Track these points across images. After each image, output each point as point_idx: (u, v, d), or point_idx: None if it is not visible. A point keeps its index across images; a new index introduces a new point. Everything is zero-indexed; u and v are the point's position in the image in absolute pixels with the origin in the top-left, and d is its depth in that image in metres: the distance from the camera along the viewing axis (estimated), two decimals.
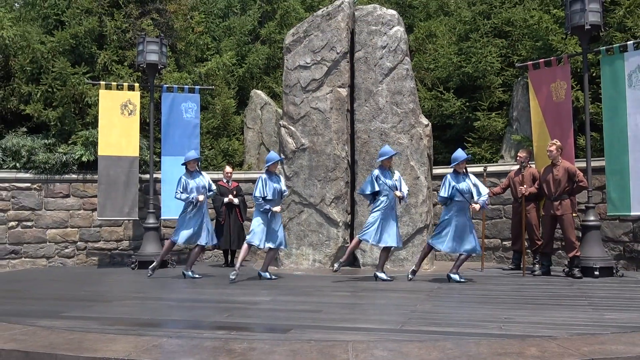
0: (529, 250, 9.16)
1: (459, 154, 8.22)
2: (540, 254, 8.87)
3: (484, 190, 8.12)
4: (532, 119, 9.73)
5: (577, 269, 8.28)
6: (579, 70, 10.20)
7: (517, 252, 9.38)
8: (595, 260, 8.30)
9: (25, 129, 11.68)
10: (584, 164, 8.90)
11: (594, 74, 10.07)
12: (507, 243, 10.14)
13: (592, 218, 8.60)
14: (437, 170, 10.87)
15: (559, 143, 8.61)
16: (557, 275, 8.57)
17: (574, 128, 9.23)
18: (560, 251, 9.54)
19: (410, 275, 8.26)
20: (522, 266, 8.97)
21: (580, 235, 8.77)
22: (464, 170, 8.22)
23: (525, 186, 8.83)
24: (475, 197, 8.07)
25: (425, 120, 10.00)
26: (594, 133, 9.62)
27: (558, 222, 8.53)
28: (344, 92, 10.09)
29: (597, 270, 8.20)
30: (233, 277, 8.23)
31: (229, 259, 10.88)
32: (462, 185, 8.06)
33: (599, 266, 8.24)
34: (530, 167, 9.31)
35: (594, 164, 8.95)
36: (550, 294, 6.90)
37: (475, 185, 8.11)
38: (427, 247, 8.47)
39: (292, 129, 10.23)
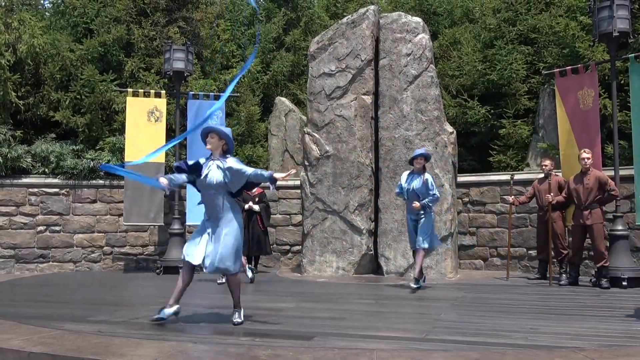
0: (555, 260, 9.05)
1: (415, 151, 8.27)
2: (568, 263, 8.76)
3: (434, 194, 7.98)
4: (559, 126, 9.60)
5: (605, 279, 8.16)
6: (606, 77, 10.08)
7: (543, 262, 9.27)
8: (623, 270, 8.17)
9: (54, 135, 11.93)
10: (612, 173, 8.77)
11: (622, 82, 9.93)
12: (533, 252, 10.03)
13: (620, 227, 8.46)
14: (462, 178, 10.80)
15: (591, 152, 8.50)
16: (584, 285, 8.44)
17: (601, 136, 9.11)
18: (587, 261, 9.40)
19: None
20: (548, 275, 8.86)
21: (608, 244, 8.64)
22: (421, 168, 8.07)
23: (552, 194, 8.73)
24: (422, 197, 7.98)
25: (449, 128, 9.96)
26: (622, 141, 9.48)
27: (587, 231, 8.42)
28: (368, 99, 10.09)
29: (626, 281, 8.07)
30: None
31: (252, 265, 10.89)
32: (412, 184, 8.03)
33: (627, 276, 8.11)
34: (556, 175, 9.21)
35: (622, 172, 8.81)
36: (577, 304, 6.81)
37: (423, 185, 7.95)
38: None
39: (316, 136, 10.25)
